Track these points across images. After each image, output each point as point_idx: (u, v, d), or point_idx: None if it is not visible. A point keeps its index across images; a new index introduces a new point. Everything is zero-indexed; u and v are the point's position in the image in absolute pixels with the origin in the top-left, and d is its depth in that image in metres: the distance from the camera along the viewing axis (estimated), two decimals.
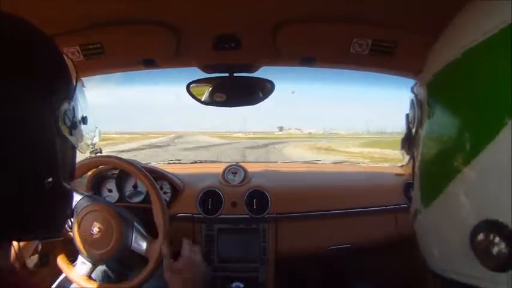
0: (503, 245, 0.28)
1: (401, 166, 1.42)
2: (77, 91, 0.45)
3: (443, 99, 0.36)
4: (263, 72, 1.04)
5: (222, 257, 1.14)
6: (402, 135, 0.47)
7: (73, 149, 0.45)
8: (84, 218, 0.88)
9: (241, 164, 1.27)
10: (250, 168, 1.27)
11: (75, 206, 0.90)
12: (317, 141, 29.04)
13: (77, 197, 0.90)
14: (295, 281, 1.33)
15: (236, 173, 1.22)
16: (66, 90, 0.43)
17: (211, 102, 1.07)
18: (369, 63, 0.93)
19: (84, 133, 0.47)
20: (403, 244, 1.32)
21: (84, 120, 0.46)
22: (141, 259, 0.87)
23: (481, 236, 0.29)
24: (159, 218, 0.91)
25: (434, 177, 0.37)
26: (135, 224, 0.90)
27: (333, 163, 1.71)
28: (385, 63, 0.90)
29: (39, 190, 0.39)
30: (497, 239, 0.28)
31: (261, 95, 1.04)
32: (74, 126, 0.43)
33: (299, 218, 1.17)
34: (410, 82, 1.06)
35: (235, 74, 1.02)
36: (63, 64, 0.44)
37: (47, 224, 0.42)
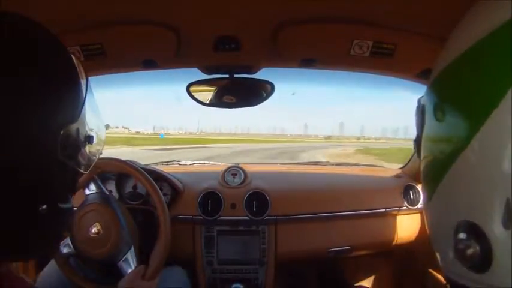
0: (476, 246, 0.29)
1: (402, 168, 1.42)
2: (85, 105, 0.41)
3: (442, 96, 0.38)
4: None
5: (221, 258, 1.14)
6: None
7: (76, 170, 0.42)
8: (90, 213, 0.86)
9: (241, 165, 1.27)
10: (250, 169, 1.27)
11: (87, 196, 0.88)
12: None
13: (93, 188, 0.89)
14: (294, 282, 1.33)
15: (236, 174, 1.21)
16: (72, 109, 0.39)
17: (211, 103, 1.07)
18: (369, 65, 0.93)
19: (88, 152, 0.43)
20: (403, 246, 1.32)
21: (89, 139, 0.42)
22: (115, 276, 0.85)
23: (459, 236, 0.31)
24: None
25: (431, 173, 0.39)
26: (132, 248, 0.88)
27: (334, 165, 1.71)
28: (385, 65, 0.90)
29: (32, 217, 0.37)
30: (471, 241, 0.29)
31: (261, 96, 1.04)
32: (76, 149, 0.39)
33: (299, 220, 1.17)
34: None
35: (235, 75, 1.02)
36: (73, 79, 0.40)
37: (40, 246, 0.40)
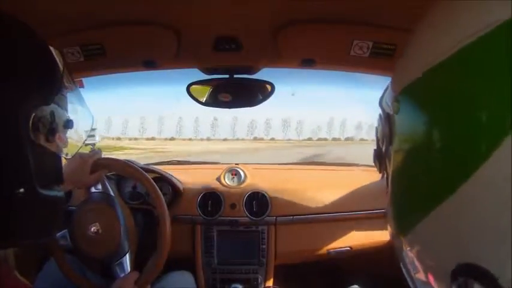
0: None
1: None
2: (65, 92, 0.43)
3: (418, 112, 0.29)
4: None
5: (221, 258, 1.14)
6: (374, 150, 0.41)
7: (55, 154, 0.42)
8: (92, 211, 0.85)
9: (240, 165, 1.27)
10: (250, 169, 1.27)
11: (91, 193, 0.88)
12: None
13: (99, 187, 0.88)
14: (294, 283, 1.32)
15: (236, 174, 1.21)
16: (44, 93, 0.40)
17: (211, 103, 1.07)
18: (369, 66, 0.93)
19: (69, 137, 0.44)
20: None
21: (68, 124, 0.43)
22: (108, 276, 0.85)
23: (460, 281, 0.25)
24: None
25: (407, 207, 0.32)
26: (129, 253, 0.87)
27: (334, 165, 1.71)
28: (385, 65, 0.90)
29: (10, 201, 0.36)
30: (474, 284, 0.24)
31: (261, 96, 1.04)
32: (51, 132, 0.39)
33: (298, 220, 1.17)
34: None
35: (235, 76, 1.02)
36: (45, 65, 0.41)
37: (21, 233, 0.40)
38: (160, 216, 0.86)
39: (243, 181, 1.20)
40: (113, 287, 0.78)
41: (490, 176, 0.22)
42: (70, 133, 0.45)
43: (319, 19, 0.81)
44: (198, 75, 1.02)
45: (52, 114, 0.40)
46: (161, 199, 0.87)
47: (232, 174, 1.22)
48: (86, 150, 0.92)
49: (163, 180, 1.15)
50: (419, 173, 0.29)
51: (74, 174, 0.78)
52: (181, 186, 1.18)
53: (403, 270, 0.35)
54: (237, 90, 1.04)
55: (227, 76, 1.02)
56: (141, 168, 0.98)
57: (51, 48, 0.42)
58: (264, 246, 1.14)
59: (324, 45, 0.88)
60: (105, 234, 0.84)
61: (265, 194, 1.16)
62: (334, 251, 1.17)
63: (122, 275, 0.84)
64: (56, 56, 0.42)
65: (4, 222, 0.37)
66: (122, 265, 0.85)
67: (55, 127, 0.40)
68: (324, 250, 1.17)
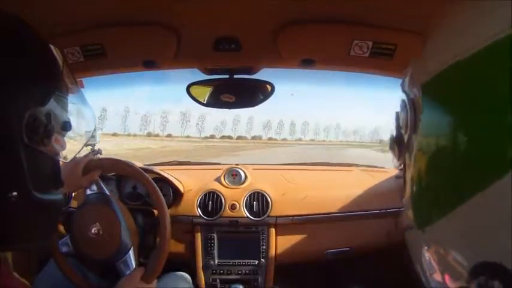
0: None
1: (402, 169, 1.41)
2: (64, 93, 0.42)
3: (444, 109, 0.29)
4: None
5: (221, 259, 1.14)
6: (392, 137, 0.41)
7: (52, 157, 0.41)
8: (91, 213, 0.84)
9: (241, 166, 1.27)
10: (251, 170, 1.26)
11: (88, 195, 0.87)
12: None
13: (94, 188, 0.88)
14: (294, 284, 1.32)
15: (236, 175, 1.21)
16: (39, 93, 0.38)
17: (211, 104, 1.07)
18: (369, 66, 0.93)
19: (67, 139, 0.43)
20: (404, 248, 1.31)
21: (66, 126, 0.41)
22: (113, 278, 0.84)
23: (480, 280, 0.25)
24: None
25: (430, 201, 0.32)
26: (132, 249, 0.87)
27: (334, 165, 1.71)
28: (385, 65, 0.90)
29: (3, 205, 0.36)
30: (494, 283, 0.24)
31: (262, 96, 1.04)
32: (47, 134, 0.38)
33: (299, 221, 1.17)
34: None
35: (235, 76, 1.02)
36: (42, 64, 0.40)
37: (21, 237, 0.39)
38: (161, 217, 0.85)
39: (243, 181, 1.20)
40: (120, 284, 0.78)
41: None
42: (70, 134, 0.43)
43: (319, 19, 0.81)
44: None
45: (48, 115, 0.38)
46: (161, 200, 0.87)
47: (232, 175, 1.21)
48: (87, 150, 0.92)
49: (163, 181, 1.15)
50: (446, 169, 0.29)
51: (66, 177, 0.78)
52: (181, 187, 1.18)
53: (417, 266, 0.35)
54: (237, 91, 1.04)
55: (227, 76, 1.02)
56: (141, 168, 0.98)
57: (52, 47, 0.41)
58: (264, 247, 1.14)
59: (324, 45, 0.88)
60: (106, 234, 0.84)
61: (266, 195, 1.16)
62: (334, 251, 1.17)
63: (128, 272, 0.84)
64: (56, 56, 0.41)
65: (5, 227, 0.37)
66: (126, 262, 0.85)
67: (51, 129, 0.39)
68: (323, 250, 1.17)
